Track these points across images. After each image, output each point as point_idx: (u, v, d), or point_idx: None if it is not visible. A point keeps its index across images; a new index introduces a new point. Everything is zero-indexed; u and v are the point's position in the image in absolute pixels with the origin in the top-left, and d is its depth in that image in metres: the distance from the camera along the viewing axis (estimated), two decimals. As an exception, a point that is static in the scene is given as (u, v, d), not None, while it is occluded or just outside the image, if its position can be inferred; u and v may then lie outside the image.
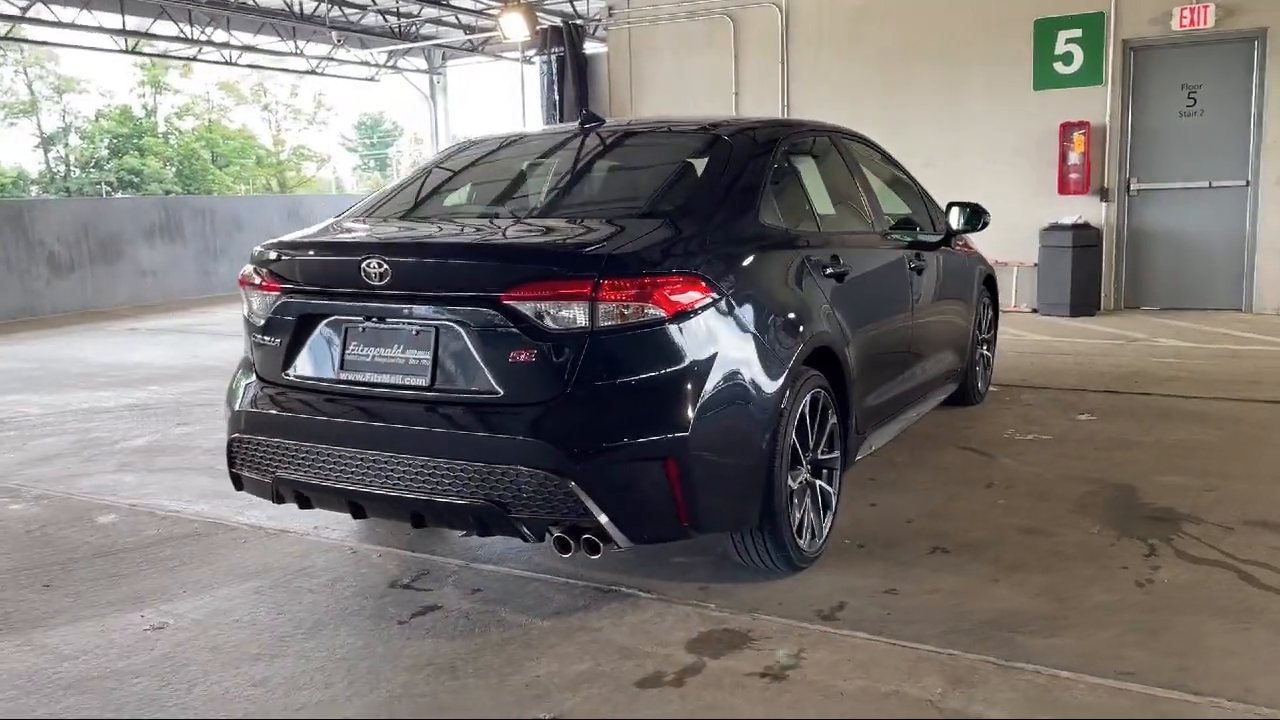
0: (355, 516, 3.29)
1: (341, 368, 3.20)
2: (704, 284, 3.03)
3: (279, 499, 3.34)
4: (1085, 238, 9.86)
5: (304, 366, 3.30)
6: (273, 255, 3.43)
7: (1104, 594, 3.27)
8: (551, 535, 2.94)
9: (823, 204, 4.17)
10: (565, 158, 4.04)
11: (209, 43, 16.19)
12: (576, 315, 2.88)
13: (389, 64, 18.09)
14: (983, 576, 3.44)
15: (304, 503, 3.29)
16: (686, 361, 2.97)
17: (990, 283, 5.99)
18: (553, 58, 12.54)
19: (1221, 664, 2.78)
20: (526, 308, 2.92)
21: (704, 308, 3.02)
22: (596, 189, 3.89)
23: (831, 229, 4.06)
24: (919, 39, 10.60)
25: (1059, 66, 10.07)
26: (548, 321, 2.91)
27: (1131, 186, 10.02)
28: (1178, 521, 3.91)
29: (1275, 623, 3.03)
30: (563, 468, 2.85)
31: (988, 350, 6.09)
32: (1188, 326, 8.93)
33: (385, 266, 3.06)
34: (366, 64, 17.75)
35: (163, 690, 2.79)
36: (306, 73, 17.03)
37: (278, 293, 3.33)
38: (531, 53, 13.69)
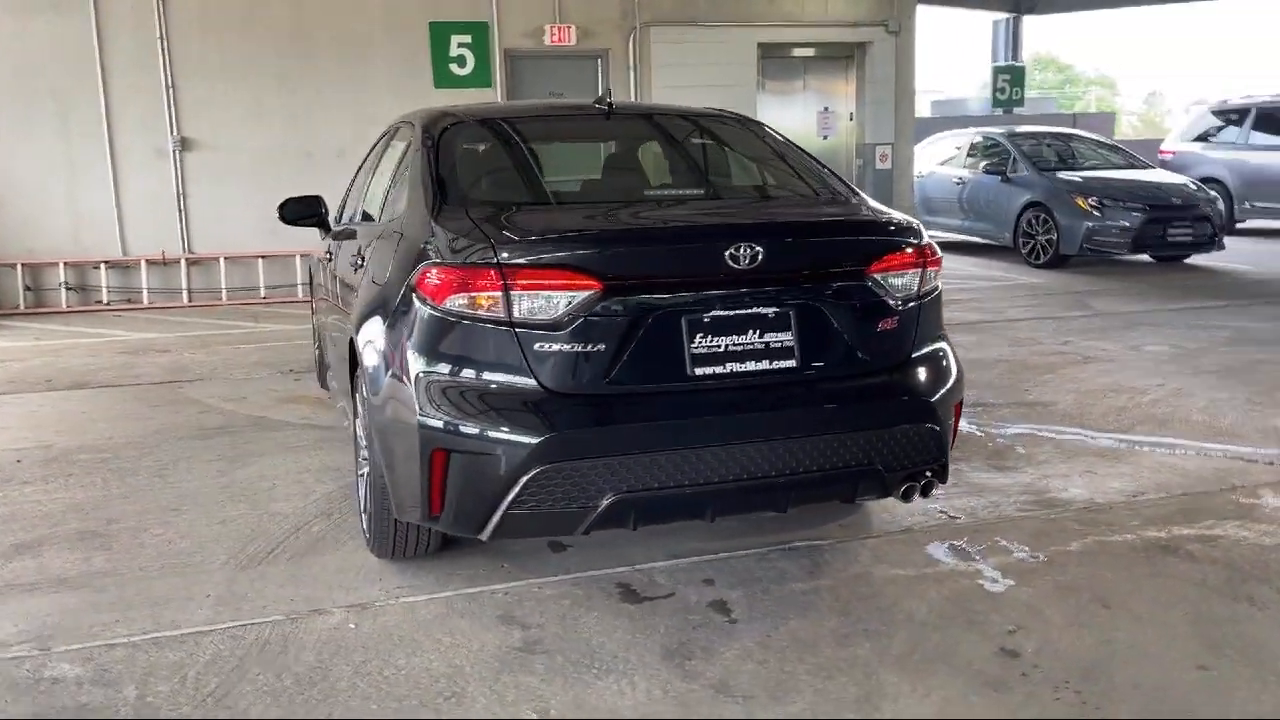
0: (712, 520, 2.98)
1: (694, 363, 2.87)
2: None
3: (593, 528, 2.82)
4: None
5: (637, 370, 2.87)
6: (571, 246, 2.88)
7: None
8: (898, 486, 3.14)
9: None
10: (638, 138, 3.98)
11: None
12: (911, 282, 3.18)
13: None
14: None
15: (636, 523, 2.85)
16: (943, 313, 3.44)
17: None
18: None
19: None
20: (885, 279, 3.12)
21: None
22: (744, 170, 3.91)
23: None
24: (319, 29, 10.43)
25: (455, 68, 10.95)
26: (894, 290, 3.15)
27: (518, 178, 11.44)
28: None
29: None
30: (936, 420, 3.14)
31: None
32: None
33: (758, 249, 2.89)
34: None
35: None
36: None
37: (596, 290, 2.78)
38: None
